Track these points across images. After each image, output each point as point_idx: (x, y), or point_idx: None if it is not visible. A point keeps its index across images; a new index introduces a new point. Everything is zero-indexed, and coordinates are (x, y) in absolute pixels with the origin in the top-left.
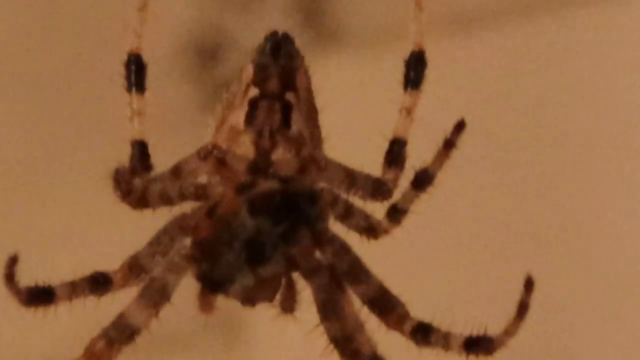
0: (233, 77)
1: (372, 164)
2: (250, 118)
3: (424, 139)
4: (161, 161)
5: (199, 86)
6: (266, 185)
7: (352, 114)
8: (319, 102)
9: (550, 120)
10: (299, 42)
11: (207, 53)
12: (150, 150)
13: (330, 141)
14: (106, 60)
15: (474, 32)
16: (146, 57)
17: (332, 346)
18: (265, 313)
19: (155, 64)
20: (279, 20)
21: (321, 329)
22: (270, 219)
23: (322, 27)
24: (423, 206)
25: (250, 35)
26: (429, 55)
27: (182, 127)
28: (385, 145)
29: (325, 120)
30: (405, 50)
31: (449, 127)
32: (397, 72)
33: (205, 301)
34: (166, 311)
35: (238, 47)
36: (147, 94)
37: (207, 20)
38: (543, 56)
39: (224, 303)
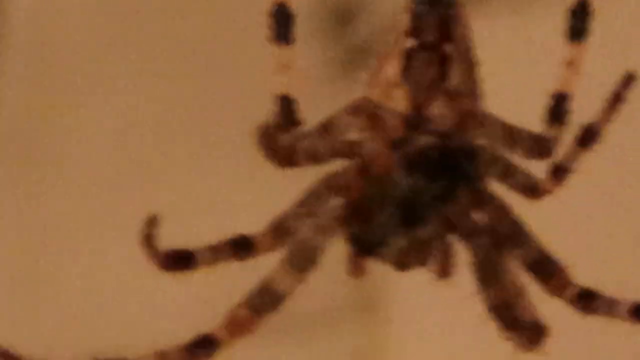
0: (383, 31)
1: (532, 122)
2: (405, 70)
3: (585, 93)
4: (309, 118)
5: (346, 40)
6: (422, 141)
7: (513, 67)
8: (478, 54)
9: None
10: None
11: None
12: (298, 106)
13: (489, 96)
14: (250, 10)
15: None
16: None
17: (489, 314)
18: (417, 278)
19: (299, 18)
20: None
21: (477, 296)
22: (427, 176)
23: None
24: (588, 164)
25: None
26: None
27: (331, 82)
28: (547, 101)
29: (485, 74)
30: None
31: (614, 80)
32: (561, 23)
33: (356, 265)
34: (306, 284)
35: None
36: (294, 46)
37: None
38: None
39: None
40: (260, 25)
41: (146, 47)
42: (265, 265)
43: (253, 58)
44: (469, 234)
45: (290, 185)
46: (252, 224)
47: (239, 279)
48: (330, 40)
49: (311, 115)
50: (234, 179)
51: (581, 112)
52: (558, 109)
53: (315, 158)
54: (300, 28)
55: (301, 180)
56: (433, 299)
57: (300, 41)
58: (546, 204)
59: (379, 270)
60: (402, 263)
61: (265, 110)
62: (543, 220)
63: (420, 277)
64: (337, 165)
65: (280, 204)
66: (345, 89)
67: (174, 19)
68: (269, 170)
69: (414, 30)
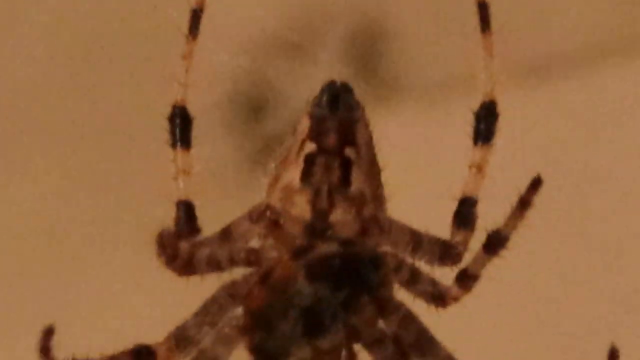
0: (285, 131)
1: (439, 226)
2: (306, 176)
3: (495, 198)
4: (209, 224)
5: (248, 142)
6: (325, 248)
7: (417, 171)
8: (381, 158)
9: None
10: (357, 93)
11: (256, 106)
12: (198, 212)
13: (393, 201)
14: (149, 114)
15: (548, 82)
16: (192, 110)
17: None
18: None
19: (201, 118)
20: (333, 71)
21: None
22: (330, 285)
23: (382, 77)
24: (495, 271)
25: (302, 87)
26: (501, 107)
27: (232, 187)
28: (453, 205)
29: (388, 178)
30: (474, 102)
31: (523, 185)
32: (466, 125)
33: None
34: None
35: (290, 99)
36: (193, 150)
37: (257, 71)
38: (621, 106)
39: None
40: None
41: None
42: None
43: (153, 160)
44: (374, 344)
45: (191, 293)
46: (153, 333)
47: None
48: (238, 138)
49: (216, 220)
50: (134, 285)
51: (492, 214)
52: (465, 213)
53: (215, 266)
54: (207, 124)
55: (203, 287)
56: None
57: (204, 139)
58: (455, 310)
59: None
60: None
61: (166, 216)
62: (452, 327)
63: None
64: (238, 273)
65: (182, 312)
66: (253, 192)
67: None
68: (170, 278)
69: (315, 134)
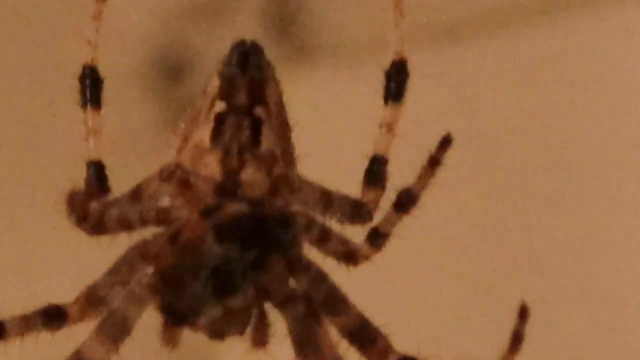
0: (198, 92)
1: (350, 185)
2: (216, 135)
3: (406, 157)
4: (119, 184)
5: (160, 104)
6: (234, 208)
7: (328, 130)
8: (292, 117)
9: (539, 134)
10: (269, 54)
11: (170, 68)
12: (108, 172)
13: (304, 160)
14: (59, 74)
15: (458, 41)
16: (104, 71)
17: None
18: (235, 347)
19: (114, 79)
20: (248, 33)
21: None
22: (239, 245)
23: (294, 38)
24: (406, 229)
25: (217, 49)
26: (411, 66)
27: (142, 147)
28: (364, 164)
29: (299, 137)
30: (384, 62)
31: (433, 143)
32: (377, 84)
33: (170, 335)
34: (127, 347)
35: (203, 62)
36: (103, 110)
37: (171, 33)
38: (530, 64)
39: (190, 337)
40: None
41: None
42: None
43: (64, 120)
44: (284, 302)
45: (102, 253)
46: (63, 293)
47: (51, 350)
48: (151, 100)
49: (126, 180)
50: (44, 245)
51: (402, 174)
52: (375, 172)
53: (125, 225)
54: (119, 86)
55: (113, 247)
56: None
57: (117, 100)
58: (366, 269)
59: (201, 338)
60: (217, 332)
61: (77, 176)
62: (363, 286)
63: (244, 345)
64: (151, 231)
65: (92, 272)
66: (164, 152)
67: None
68: (81, 237)
69: (225, 93)
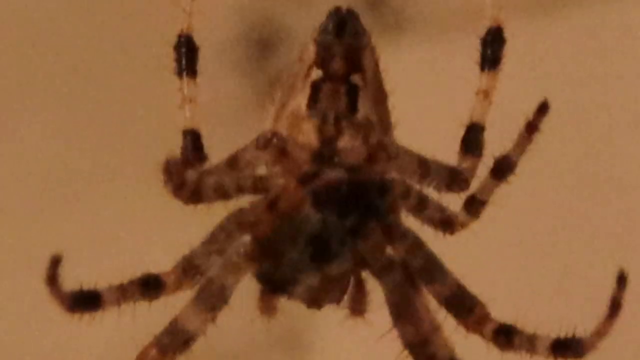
0: (292, 61)
1: (447, 152)
2: (313, 102)
3: (503, 124)
4: (216, 152)
5: (255, 73)
6: (332, 175)
7: (425, 98)
8: (388, 84)
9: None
10: (365, 22)
11: (262, 41)
12: (205, 142)
13: (401, 127)
14: (155, 43)
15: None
16: (198, 40)
17: (405, 351)
18: (332, 316)
19: (209, 52)
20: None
21: (394, 332)
22: (337, 212)
23: (390, 6)
24: (503, 197)
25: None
26: (508, 34)
27: (238, 116)
28: (461, 132)
29: (396, 105)
30: (481, 29)
31: (530, 110)
32: (473, 51)
33: (267, 303)
34: (223, 316)
35: (297, 31)
36: (199, 79)
37: (262, 7)
38: (631, 36)
39: (286, 305)
40: (168, 57)
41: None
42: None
43: (161, 92)
44: (382, 270)
45: (199, 222)
46: (161, 262)
47: (149, 319)
48: (244, 72)
49: (223, 148)
50: (141, 215)
51: (498, 142)
52: (472, 140)
53: (222, 194)
54: (214, 58)
55: (210, 216)
56: (355, 335)
57: (212, 72)
58: (463, 237)
59: (298, 307)
60: (314, 301)
61: (172, 145)
62: (460, 255)
63: (341, 313)
64: (248, 200)
65: (189, 241)
66: (257, 122)
67: (79, 48)
68: (177, 207)
69: (321, 61)
